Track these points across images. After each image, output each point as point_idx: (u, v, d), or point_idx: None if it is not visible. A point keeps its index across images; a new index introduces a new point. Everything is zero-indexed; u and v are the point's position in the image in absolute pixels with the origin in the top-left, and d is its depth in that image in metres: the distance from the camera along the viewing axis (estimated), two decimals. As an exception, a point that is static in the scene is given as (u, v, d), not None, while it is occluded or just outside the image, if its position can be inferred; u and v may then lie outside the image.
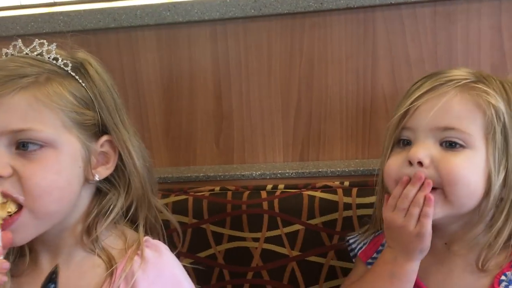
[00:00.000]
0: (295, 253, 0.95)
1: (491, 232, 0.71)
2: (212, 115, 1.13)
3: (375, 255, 0.80)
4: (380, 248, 0.80)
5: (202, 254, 0.98)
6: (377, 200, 0.83)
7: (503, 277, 0.70)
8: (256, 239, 0.96)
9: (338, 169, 1.03)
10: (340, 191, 0.96)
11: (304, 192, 0.97)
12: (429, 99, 0.70)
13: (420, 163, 0.69)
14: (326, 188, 0.98)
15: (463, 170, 0.68)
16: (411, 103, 0.71)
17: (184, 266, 0.96)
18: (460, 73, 0.73)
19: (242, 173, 1.05)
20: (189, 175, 1.07)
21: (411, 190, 0.68)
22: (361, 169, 1.02)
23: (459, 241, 0.74)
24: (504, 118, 0.70)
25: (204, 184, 1.04)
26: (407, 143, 0.73)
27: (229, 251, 0.97)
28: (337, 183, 0.99)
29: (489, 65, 1.02)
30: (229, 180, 1.06)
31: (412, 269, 0.70)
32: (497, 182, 0.69)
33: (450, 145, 0.69)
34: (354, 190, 0.96)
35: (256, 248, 0.96)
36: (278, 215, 0.96)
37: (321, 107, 1.10)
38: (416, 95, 0.71)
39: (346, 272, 0.92)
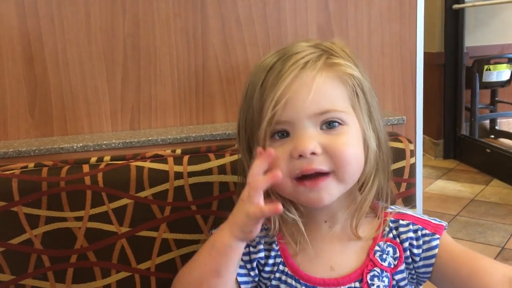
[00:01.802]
0: (124, 229, 0.88)
1: (360, 197, 0.73)
2: (23, 81, 0.98)
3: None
4: (248, 242, 0.74)
5: (15, 241, 0.85)
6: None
7: (377, 248, 0.73)
8: (78, 218, 0.86)
9: (170, 137, 0.97)
10: (170, 159, 0.90)
11: (131, 163, 0.89)
12: (299, 89, 0.66)
13: (313, 153, 0.65)
14: (156, 158, 0.91)
15: (351, 147, 0.68)
16: (279, 98, 0.66)
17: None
18: (309, 50, 0.70)
19: (61, 146, 0.94)
20: (-4, 151, 0.92)
21: (258, 168, 0.64)
22: (193, 135, 0.97)
23: (338, 216, 0.74)
24: (361, 83, 0.70)
25: (15, 161, 0.91)
26: (284, 135, 0.68)
27: (48, 234, 0.86)
28: (168, 151, 0.93)
29: (316, 26, 1.03)
30: (46, 154, 0.93)
31: (229, 244, 0.67)
32: (373, 147, 0.71)
33: (329, 126, 0.67)
34: (186, 158, 0.90)
35: (80, 228, 0.87)
36: (103, 190, 0.87)
37: (150, 69, 1.02)
38: (282, 89, 0.66)
39: (180, 244, 0.88)
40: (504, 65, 3.50)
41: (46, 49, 0.97)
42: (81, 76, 1.00)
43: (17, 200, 0.85)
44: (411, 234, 0.73)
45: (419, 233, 0.73)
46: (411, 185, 0.95)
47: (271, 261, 0.74)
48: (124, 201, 0.87)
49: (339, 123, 0.68)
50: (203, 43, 1.01)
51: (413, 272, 0.74)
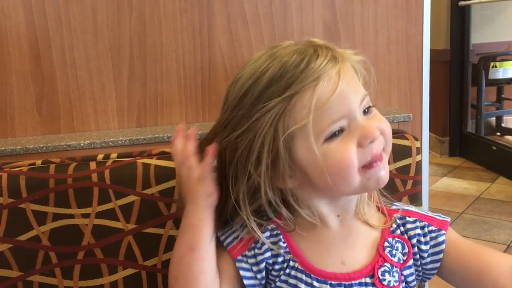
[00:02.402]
0: (130, 226, 0.88)
1: None
2: (30, 79, 0.99)
3: (247, 252, 0.74)
4: (253, 245, 0.74)
5: (23, 237, 0.86)
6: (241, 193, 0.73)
7: (386, 243, 0.74)
8: (86, 215, 0.87)
9: (176, 134, 0.97)
10: (177, 156, 0.90)
11: (138, 160, 0.89)
12: (344, 81, 0.66)
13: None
14: (162, 155, 0.91)
15: (387, 122, 0.71)
16: (332, 99, 0.65)
17: (1, 252, 0.84)
18: (319, 49, 0.68)
19: (68, 143, 0.94)
20: (3, 148, 0.93)
21: (179, 143, 0.72)
22: (200, 132, 0.97)
23: (349, 207, 0.75)
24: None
25: (22, 158, 0.91)
26: (337, 133, 0.67)
27: (55, 230, 0.86)
28: (174, 148, 0.93)
29: (322, 23, 1.03)
30: (53, 151, 0.94)
31: (199, 217, 0.71)
32: None
33: (366, 111, 0.69)
34: (192, 155, 0.91)
35: (87, 224, 0.87)
36: (110, 186, 0.87)
37: (156, 67, 1.02)
38: (329, 90, 0.65)
39: (186, 241, 0.88)
40: (510, 62, 3.49)
41: (53, 47, 0.98)
42: (88, 73, 1.00)
43: (25, 197, 0.85)
44: (418, 231, 0.75)
45: (426, 229, 0.75)
46: (417, 182, 0.95)
47: (280, 259, 0.73)
48: (131, 198, 0.88)
49: (370, 106, 0.70)
50: (209, 41, 1.02)
51: (420, 268, 0.74)
